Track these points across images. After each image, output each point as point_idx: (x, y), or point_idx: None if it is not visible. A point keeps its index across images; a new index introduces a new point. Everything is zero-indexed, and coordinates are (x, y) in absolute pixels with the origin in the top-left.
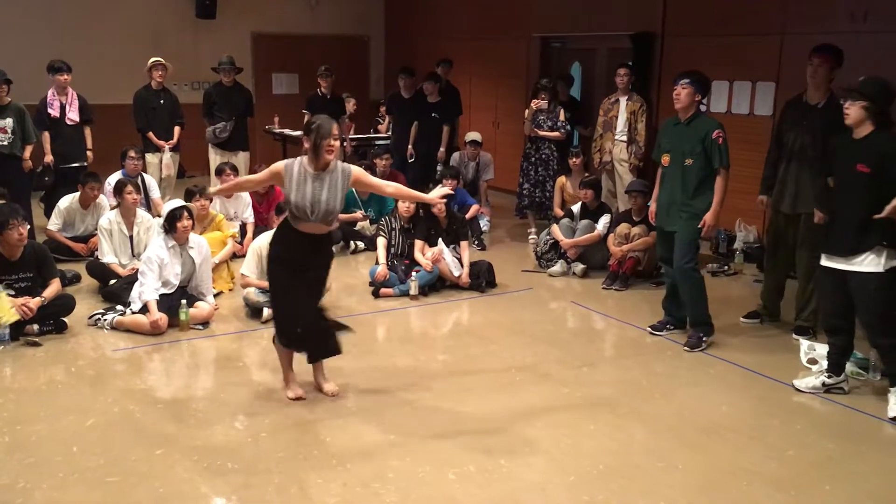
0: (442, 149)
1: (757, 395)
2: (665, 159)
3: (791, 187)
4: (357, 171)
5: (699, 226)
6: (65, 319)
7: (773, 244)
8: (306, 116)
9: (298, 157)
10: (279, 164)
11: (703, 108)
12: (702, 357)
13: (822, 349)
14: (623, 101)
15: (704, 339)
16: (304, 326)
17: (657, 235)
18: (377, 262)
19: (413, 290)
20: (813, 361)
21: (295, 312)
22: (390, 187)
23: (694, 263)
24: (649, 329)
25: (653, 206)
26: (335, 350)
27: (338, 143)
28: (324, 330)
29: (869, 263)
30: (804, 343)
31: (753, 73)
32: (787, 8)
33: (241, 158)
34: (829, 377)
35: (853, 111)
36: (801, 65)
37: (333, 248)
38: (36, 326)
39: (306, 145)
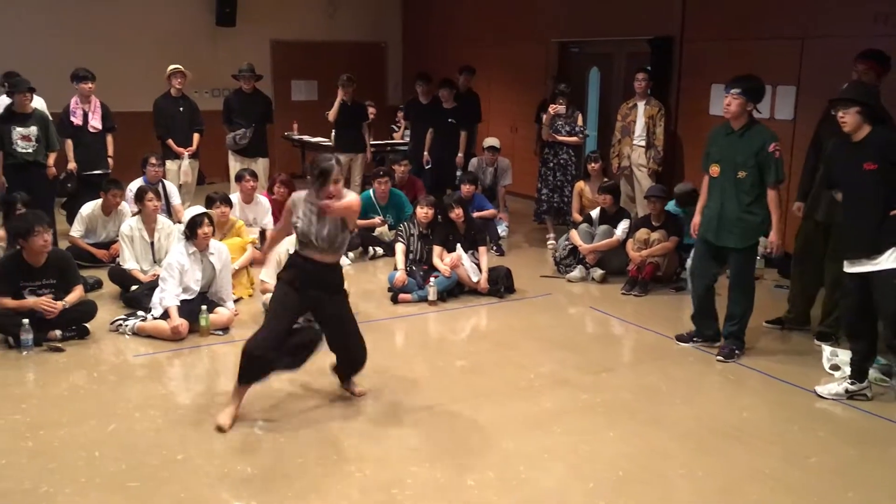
0: (460, 154)
1: (777, 400)
2: (714, 170)
3: (828, 195)
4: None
5: (768, 251)
6: (87, 325)
7: (802, 251)
8: (331, 115)
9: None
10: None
11: (757, 114)
12: (722, 362)
13: (844, 355)
14: (641, 105)
15: (737, 351)
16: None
17: (698, 248)
18: (396, 268)
19: (431, 296)
20: (835, 367)
21: (275, 340)
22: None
23: (753, 278)
24: (675, 339)
25: (697, 217)
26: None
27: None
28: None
29: (894, 260)
30: (826, 349)
31: (773, 77)
32: (807, 11)
33: (261, 165)
34: (852, 383)
35: (849, 118)
36: (823, 68)
37: (344, 281)
38: (58, 332)
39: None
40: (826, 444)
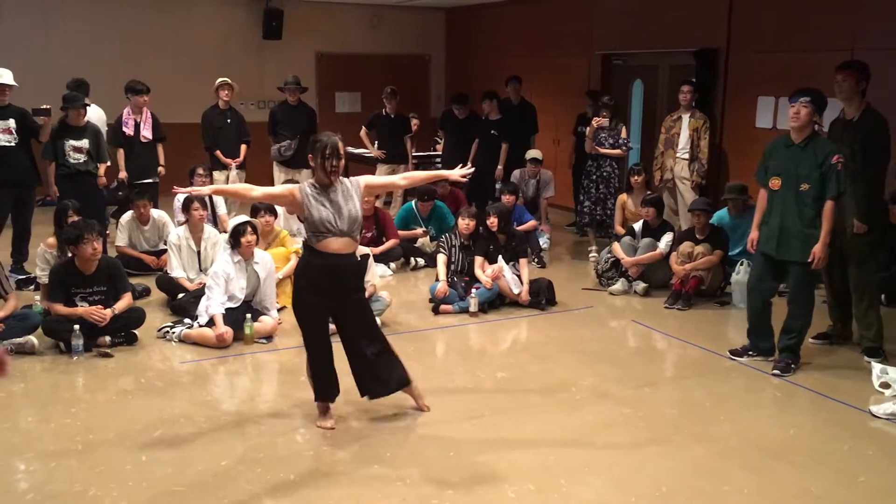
0: (500, 167)
1: (825, 418)
2: (775, 183)
3: (841, 204)
4: (365, 178)
5: (809, 259)
6: (135, 332)
7: (829, 262)
8: (363, 132)
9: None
10: (293, 188)
11: (816, 127)
12: (768, 379)
13: (894, 373)
14: (685, 118)
15: (793, 365)
16: (358, 358)
17: (756, 263)
18: (437, 279)
19: (473, 307)
20: (885, 385)
21: (326, 347)
22: (403, 179)
23: (813, 292)
24: (729, 354)
25: (754, 232)
26: (403, 381)
27: (342, 162)
28: (387, 359)
29: None
30: (876, 366)
31: (821, 90)
32: (857, 22)
33: (305, 176)
34: None
35: None
36: (872, 81)
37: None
38: (108, 338)
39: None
40: (876, 463)
